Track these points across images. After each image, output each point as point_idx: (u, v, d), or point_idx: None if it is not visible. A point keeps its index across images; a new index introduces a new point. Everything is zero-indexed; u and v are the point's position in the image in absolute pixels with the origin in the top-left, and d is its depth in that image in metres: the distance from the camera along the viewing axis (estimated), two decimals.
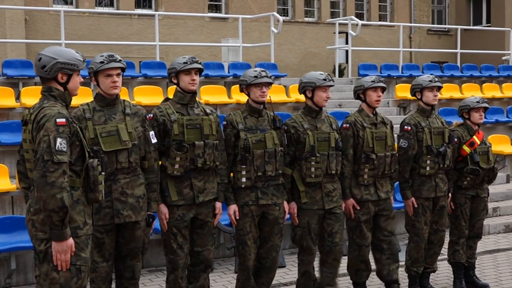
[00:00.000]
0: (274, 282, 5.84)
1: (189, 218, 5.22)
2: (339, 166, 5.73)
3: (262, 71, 5.48)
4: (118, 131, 4.75)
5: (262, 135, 5.42)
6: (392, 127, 6.14)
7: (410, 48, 23.66)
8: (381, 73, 14.33)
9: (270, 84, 5.49)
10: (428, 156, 6.16)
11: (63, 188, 3.92)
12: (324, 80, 5.64)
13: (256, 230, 5.49)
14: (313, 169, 5.56)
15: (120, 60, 4.83)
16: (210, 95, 10.86)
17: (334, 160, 5.67)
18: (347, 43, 15.44)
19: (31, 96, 9.05)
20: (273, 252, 5.58)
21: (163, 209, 5.14)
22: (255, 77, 5.41)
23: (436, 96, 6.31)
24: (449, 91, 13.66)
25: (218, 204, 5.35)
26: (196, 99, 5.38)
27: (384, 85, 6.01)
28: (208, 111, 5.33)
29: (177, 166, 5.12)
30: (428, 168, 6.16)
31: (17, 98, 9.71)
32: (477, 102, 6.56)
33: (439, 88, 6.33)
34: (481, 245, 8.56)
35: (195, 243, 5.30)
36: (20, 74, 10.40)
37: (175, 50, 18.54)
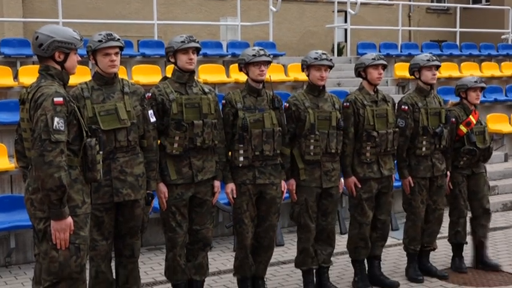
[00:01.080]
0: (272, 260, 5.86)
1: (188, 197, 5.23)
2: (340, 145, 5.73)
3: (260, 49, 5.46)
4: (116, 109, 4.73)
5: (261, 114, 5.41)
6: (394, 104, 6.15)
7: (410, 26, 23.59)
8: (379, 52, 14.27)
9: (269, 63, 5.47)
10: (424, 137, 6.15)
11: (61, 167, 3.92)
12: (315, 59, 5.63)
13: (254, 209, 5.50)
14: (312, 147, 5.59)
15: (119, 39, 4.81)
16: (209, 74, 10.84)
17: (335, 139, 5.67)
18: (346, 22, 15.38)
19: (29, 75, 9.03)
20: (271, 231, 5.60)
21: (163, 187, 5.14)
22: (254, 55, 5.39)
23: (434, 75, 6.27)
24: (448, 70, 13.63)
25: (216, 183, 5.35)
26: (195, 78, 5.37)
27: (385, 62, 5.99)
28: (206, 90, 5.32)
29: (176, 145, 5.12)
30: (424, 149, 6.17)
31: (15, 77, 9.69)
32: (475, 82, 6.54)
33: (438, 67, 6.30)
34: None
35: (193, 221, 5.31)
36: (18, 53, 10.38)
37: (173, 29, 18.47)
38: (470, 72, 13.85)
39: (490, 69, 14.43)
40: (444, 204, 6.49)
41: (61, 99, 3.99)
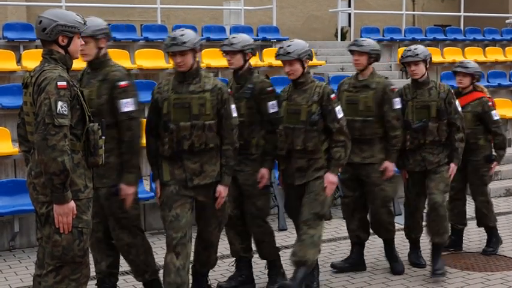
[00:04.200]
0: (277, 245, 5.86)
1: (187, 195, 4.98)
2: (311, 143, 5.33)
3: (233, 37, 5.48)
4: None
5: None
6: (384, 89, 5.95)
7: (414, 11, 23.49)
8: (383, 36, 14.25)
9: (227, 52, 5.42)
10: (408, 131, 6.05)
11: (64, 151, 3.92)
12: (277, 55, 5.50)
13: (233, 190, 5.45)
14: (280, 142, 5.43)
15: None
16: (212, 58, 10.80)
17: (302, 135, 5.32)
18: (349, 6, 15.34)
19: (32, 59, 9.03)
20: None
21: (157, 185, 5.08)
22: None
23: (413, 70, 6.08)
24: (452, 55, 13.59)
25: (219, 187, 5.00)
26: (202, 73, 5.03)
27: (354, 48, 5.99)
28: (208, 87, 4.94)
29: (166, 147, 4.94)
30: (408, 143, 6.07)
31: (18, 61, 9.69)
32: (455, 66, 6.70)
33: (416, 63, 6.03)
34: None
35: (198, 222, 5.23)
36: (21, 37, 10.35)
37: (176, 13, 18.43)
38: (474, 57, 13.80)
39: (494, 54, 14.38)
40: (439, 189, 6.09)
41: (64, 83, 3.99)
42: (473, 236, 7.34)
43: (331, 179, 5.36)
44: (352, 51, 6.06)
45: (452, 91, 6.20)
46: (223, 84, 5.06)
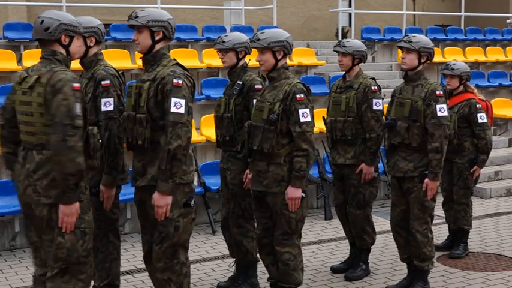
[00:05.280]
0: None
1: (138, 199, 4.59)
2: (267, 144, 4.82)
3: (225, 35, 5.58)
4: None
5: (220, 100, 5.57)
6: (365, 89, 5.88)
7: (414, 11, 23.45)
8: (384, 36, 14.24)
9: (219, 50, 5.52)
10: (385, 129, 5.75)
11: (80, 151, 3.96)
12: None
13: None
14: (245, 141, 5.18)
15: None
16: (213, 58, 10.79)
17: (260, 135, 4.84)
18: (350, 6, 15.32)
19: (33, 59, 9.02)
20: None
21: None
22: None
23: (402, 58, 5.61)
24: (452, 55, 13.58)
25: (154, 194, 4.24)
26: (166, 61, 4.45)
27: (338, 49, 6.00)
28: (153, 76, 4.37)
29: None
30: (385, 142, 5.79)
31: (19, 61, 9.69)
32: (443, 68, 6.73)
33: (407, 50, 5.55)
34: (482, 209, 8.65)
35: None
36: (22, 37, 10.35)
37: (176, 13, 18.38)
38: (475, 57, 13.81)
39: (495, 54, 14.37)
40: (420, 222, 5.52)
41: (78, 85, 4.06)
42: (474, 236, 7.34)
43: (291, 194, 4.81)
44: (338, 53, 6.05)
45: (439, 93, 5.42)
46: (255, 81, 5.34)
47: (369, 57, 11.46)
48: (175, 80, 4.25)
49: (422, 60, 5.58)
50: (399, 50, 5.73)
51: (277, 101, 4.85)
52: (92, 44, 4.93)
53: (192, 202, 4.38)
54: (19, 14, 16.30)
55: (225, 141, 5.50)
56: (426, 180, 5.41)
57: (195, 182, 7.55)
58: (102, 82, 4.78)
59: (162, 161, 4.17)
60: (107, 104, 4.74)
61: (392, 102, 5.72)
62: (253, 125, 4.95)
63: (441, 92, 5.44)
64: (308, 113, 4.82)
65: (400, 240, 5.75)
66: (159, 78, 4.31)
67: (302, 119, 4.78)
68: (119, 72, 4.97)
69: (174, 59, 4.50)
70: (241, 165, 5.42)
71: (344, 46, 5.97)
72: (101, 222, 4.92)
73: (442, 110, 5.39)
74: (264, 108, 4.89)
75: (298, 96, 4.81)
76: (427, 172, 5.41)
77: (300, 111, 4.79)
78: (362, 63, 6.14)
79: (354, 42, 6.05)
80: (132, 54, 10.60)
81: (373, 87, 5.90)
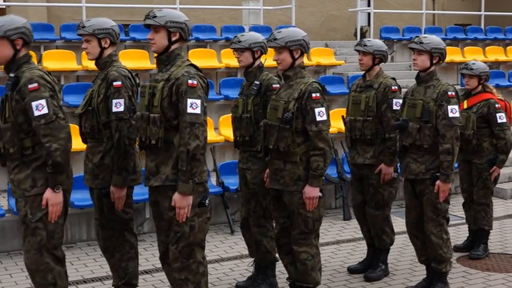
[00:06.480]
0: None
1: (152, 200, 4.60)
2: (283, 143, 4.85)
3: (241, 35, 5.57)
4: (87, 95, 4.94)
5: (237, 101, 5.57)
6: (385, 89, 5.86)
7: (434, 10, 23.32)
8: (403, 36, 14.19)
9: (235, 49, 5.52)
10: (396, 131, 5.70)
11: None
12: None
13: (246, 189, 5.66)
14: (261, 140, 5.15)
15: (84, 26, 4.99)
16: (231, 58, 10.80)
17: (275, 133, 4.87)
18: (369, 5, 15.27)
19: (52, 59, 9.06)
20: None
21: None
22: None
23: (414, 59, 5.56)
24: (472, 54, 13.49)
25: (175, 195, 4.25)
26: (180, 61, 4.45)
27: (359, 48, 5.97)
28: (167, 76, 4.35)
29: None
30: (397, 144, 5.74)
31: (39, 61, 9.72)
32: (461, 68, 6.69)
33: (418, 51, 5.49)
34: (502, 209, 8.59)
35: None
36: (42, 37, 10.39)
37: (195, 13, 18.43)
38: (495, 56, 13.71)
39: None
40: (434, 225, 5.49)
41: None
42: (494, 237, 7.29)
43: (309, 193, 4.84)
44: (358, 52, 6.03)
45: (451, 94, 5.37)
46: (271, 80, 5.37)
47: (388, 57, 11.47)
48: (190, 81, 4.25)
49: (434, 61, 5.53)
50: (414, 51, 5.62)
51: (292, 99, 4.86)
52: (106, 45, 4.97)
53: (207, 201, 4.38)
54: (39, 14, 16.41)
55: (244, 141, 5.50)
56: (438, 182, 5.36)
57: (214, 182, 7.67)
58: (114, 83, 4.80)
59: (182, 162, 4.16)
60: (118, 105, 4.76)
61: (404, 103, 5.68)
62: (269, 123, 4.97)
63: (453, 93, 5.40)
64: (324, 111, 4.84)
65: (417, 243, 5.72)
66: (173, 79, 4.30)
67: (318, 118, 4.80)
68: (132, 74, 4.98)
69: (188, 60, 4.51)
70: (261, 165, 5.41)
71: (365, 45, 5.95)
72: (115, 223, 4.96)
73: (453, 111, 5.34)
74: (279, 107, 4.92)
75: (313, 95, 4.83)
76: (438, 174, 5.37)
77: (316, 110, 4.81)
78: (382, 63, 6.10)
79: (375, 42, 6.04)
80: (151, 55, 10.63)
81: (393, 87, 5.89)
